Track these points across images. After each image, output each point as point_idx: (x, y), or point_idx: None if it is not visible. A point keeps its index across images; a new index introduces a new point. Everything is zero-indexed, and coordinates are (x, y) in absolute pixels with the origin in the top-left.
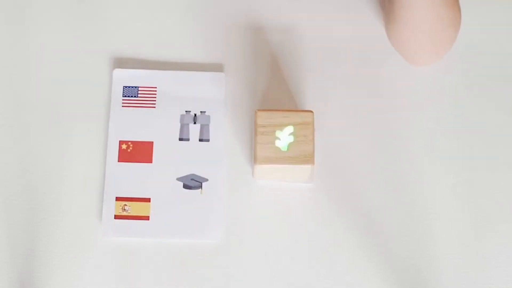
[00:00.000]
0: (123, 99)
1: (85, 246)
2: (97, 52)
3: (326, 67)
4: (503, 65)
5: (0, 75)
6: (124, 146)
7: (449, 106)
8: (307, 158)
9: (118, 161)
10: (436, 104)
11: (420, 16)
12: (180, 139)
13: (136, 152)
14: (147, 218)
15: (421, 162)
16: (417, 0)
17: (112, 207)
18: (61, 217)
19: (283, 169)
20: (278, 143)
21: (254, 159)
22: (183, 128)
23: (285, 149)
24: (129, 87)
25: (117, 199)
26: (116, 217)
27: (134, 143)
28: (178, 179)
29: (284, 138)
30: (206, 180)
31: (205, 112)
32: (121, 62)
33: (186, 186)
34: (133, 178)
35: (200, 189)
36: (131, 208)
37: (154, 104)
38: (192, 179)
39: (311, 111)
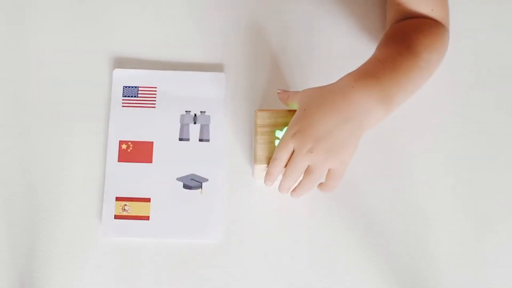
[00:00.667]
0: (123, 99)
1: (85, 246)
2: (97, 52)
3: (326, 67)
4: (503, 65)
5: (0, 75)
6: (124, 146)
7: (449, 106)
8: None
9: (118, 161)
10: (436, 104)
11: None
12: (180, 139)
13: (136, 152)
14: (147, 218)
15: (421, 162)
16: None
17: (112, 207)
18: (61, 217)
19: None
20: (278, 143)
21: (254, 159)
22: (183, 128)
23: None
24: (129, 87)
25: (117, 199)
26: (116, 217)
27: (134, 143)
28: (178, 179)
29: None
30: (206, 180)
31: (205, 112)
32: (121, 62)
33: (186, 186)
34: (133, 178)
35: (200, 189)
36: (131, 208)
37: (154, 104)
38: (192, 179)
39: None
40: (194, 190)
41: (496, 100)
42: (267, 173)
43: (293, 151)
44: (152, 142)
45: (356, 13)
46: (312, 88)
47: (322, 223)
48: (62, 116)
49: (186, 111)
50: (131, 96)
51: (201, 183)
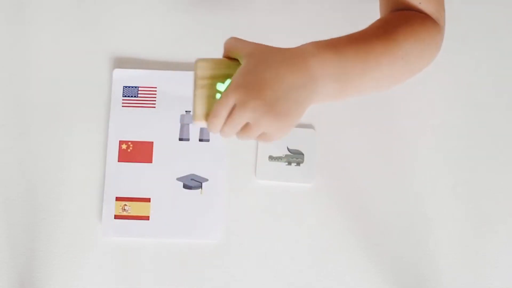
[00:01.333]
0: (123, 99)
1: (85, 246)
2: (97, 52)
3: None
4: (503, 65)
5: (0, 75)
6: (124, 146)
7: (449, 107)
8: None
9: (118, 161)
10: (436, 104)
11: None
12: (180, 139)
13: (136, 152)
14: (147, 218)
15: (421, 162)
16: None
17: (112, 207)
18: (61, 217)
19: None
20: (219, 97)
21: (193, 115)
22: (183, 128)
23: None
24: (129, 87)
25: (117, 199)
26: (116, 217)
27: (134, 143)
28: (178, 179)
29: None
30: (206, 180)
31: None
32: (121, 62)
33: (186, 186)
34: (133, 178)
35: (200, 189)
36: (131, 208)
37: (154, 104)
38: (192, 179)
39: None
40: (194, 190)
41: (496, 100)
42: (208, 129)
43: (234, 106)
44: (152, 142)
45: (357, 15)
46: (268, 45)
47: (322, 223)
48: (62, 116)
49: (186, 111)
50: (131, 96)
51: (201, 183)
